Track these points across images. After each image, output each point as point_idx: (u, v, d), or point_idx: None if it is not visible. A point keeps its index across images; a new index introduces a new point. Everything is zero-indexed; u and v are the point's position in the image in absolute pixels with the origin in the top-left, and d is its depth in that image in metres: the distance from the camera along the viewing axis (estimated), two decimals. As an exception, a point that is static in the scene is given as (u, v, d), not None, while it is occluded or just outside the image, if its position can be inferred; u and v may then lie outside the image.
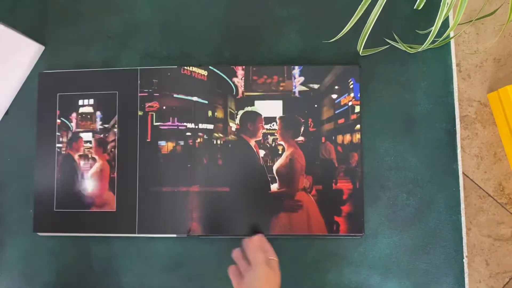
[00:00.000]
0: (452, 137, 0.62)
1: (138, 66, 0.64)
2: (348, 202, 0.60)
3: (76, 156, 0.64)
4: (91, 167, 0.63)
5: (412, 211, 0.62)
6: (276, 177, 0.61)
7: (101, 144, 0.64)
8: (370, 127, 0.63)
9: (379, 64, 0.64)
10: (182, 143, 0.62)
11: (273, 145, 0.62)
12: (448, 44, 0.63)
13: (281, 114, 0.62)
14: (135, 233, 0.62)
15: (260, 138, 0.62)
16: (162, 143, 0.63)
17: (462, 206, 0.62)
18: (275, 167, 0.61)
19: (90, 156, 0.63)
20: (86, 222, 0.62)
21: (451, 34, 0.62)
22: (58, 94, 0.65)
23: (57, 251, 0.64)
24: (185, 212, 0.61)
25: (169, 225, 0.61)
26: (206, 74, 0.63)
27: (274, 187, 0.61)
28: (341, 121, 0.62)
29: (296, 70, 0.62)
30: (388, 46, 0.62)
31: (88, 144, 0.64)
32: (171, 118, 0.63)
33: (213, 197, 0.61)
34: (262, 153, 0.62)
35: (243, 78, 0.63)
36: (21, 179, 0.65)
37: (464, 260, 0.61)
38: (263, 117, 0.62)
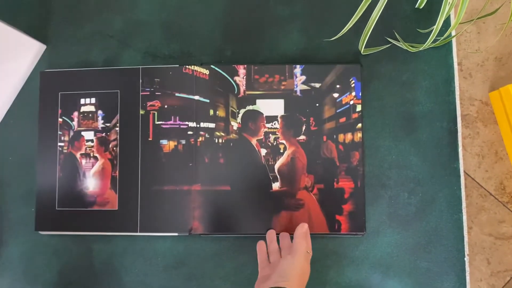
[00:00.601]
0: (454, 136, 0.62)
1: (139, 65, 0.65)
2: (349, 201, 0.61)
3: (77, 155, 0.64)
4: (92, 166, 0.63)
5: (413, 210, 0.62)
6: (278, 176, 0.61)
7: (102, 143, 0.64)
8: (372, 126, 0.63)
9: (380, 63, 0.64)
10: (183, 142, 0.62)
11: (275, 144, 0.62)
12: (450, 43, 0.63)
13: (282, 113, 0.62)
14: (136, 232, 0.62)
15: (262, 137, 0.62)
16: (163, 142, 0.63)
17: (463, 205, 0.62)
18: (276, 166, 0.61)
19: (91, 155, 0.64)
20: (88, 220, 0.62)
21: (453, 33, 0.62)
22: (59, 93, 0.65)
23: (59, 249, 0.64)
24: (187, 211, 0.61)
25: (170, 224, 0.61)
26: (207, 73, 0.63)
27: (276, 185, 0.61)
28: (342, 120, 0.62)
29: (298, 69, 0.62)
30: (389, 45, 0.62)
31: (89, 143, 0.64)
32: (172, 117, 0.63)
33: (215, 196, 0.61)
34: (263, 152, 0.62)
35: (244, 77, 0.63)
36: (23, 178, 0.65)
37: (465, 259, 0.61)
38: (264, 116, 0.62)
